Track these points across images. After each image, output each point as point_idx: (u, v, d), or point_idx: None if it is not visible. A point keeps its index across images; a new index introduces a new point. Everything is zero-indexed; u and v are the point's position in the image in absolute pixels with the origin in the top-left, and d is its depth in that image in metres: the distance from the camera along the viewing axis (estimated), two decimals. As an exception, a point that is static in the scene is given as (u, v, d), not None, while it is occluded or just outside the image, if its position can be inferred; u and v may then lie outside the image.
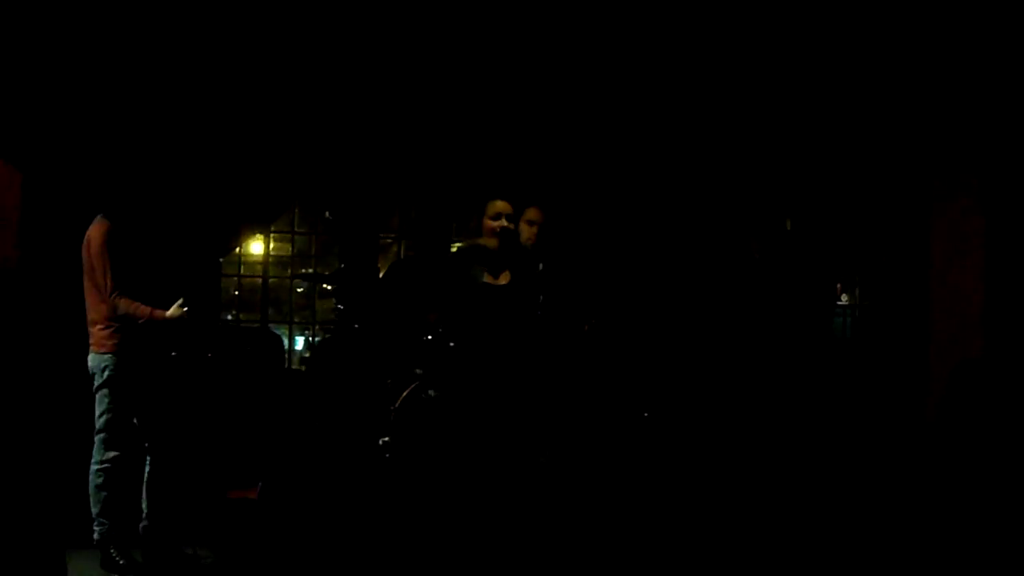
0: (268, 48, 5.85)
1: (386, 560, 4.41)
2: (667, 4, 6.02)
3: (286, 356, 6.92)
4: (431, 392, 4.88)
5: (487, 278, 4.92)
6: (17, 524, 4.59)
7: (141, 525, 4.28)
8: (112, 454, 4.17)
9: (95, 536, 4.19)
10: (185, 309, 4.10)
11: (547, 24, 6.01)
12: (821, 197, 6.63)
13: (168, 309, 4.16)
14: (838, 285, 7.18)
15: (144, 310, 4.12)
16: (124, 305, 4.11)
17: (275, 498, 5.00)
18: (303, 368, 6.56)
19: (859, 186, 6.63)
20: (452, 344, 4.81)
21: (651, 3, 6.01)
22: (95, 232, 4.16)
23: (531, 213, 5.20)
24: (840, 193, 6.63)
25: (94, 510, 4.18)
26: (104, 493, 4.16)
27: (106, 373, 4.16)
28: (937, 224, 6.54)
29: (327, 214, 5.83)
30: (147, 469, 4.27)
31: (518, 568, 4.31)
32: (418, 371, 5.02)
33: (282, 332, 7.22)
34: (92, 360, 4.21)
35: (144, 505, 4.27)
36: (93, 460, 4.19)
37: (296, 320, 7.77)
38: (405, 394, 4.89)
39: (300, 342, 8.43)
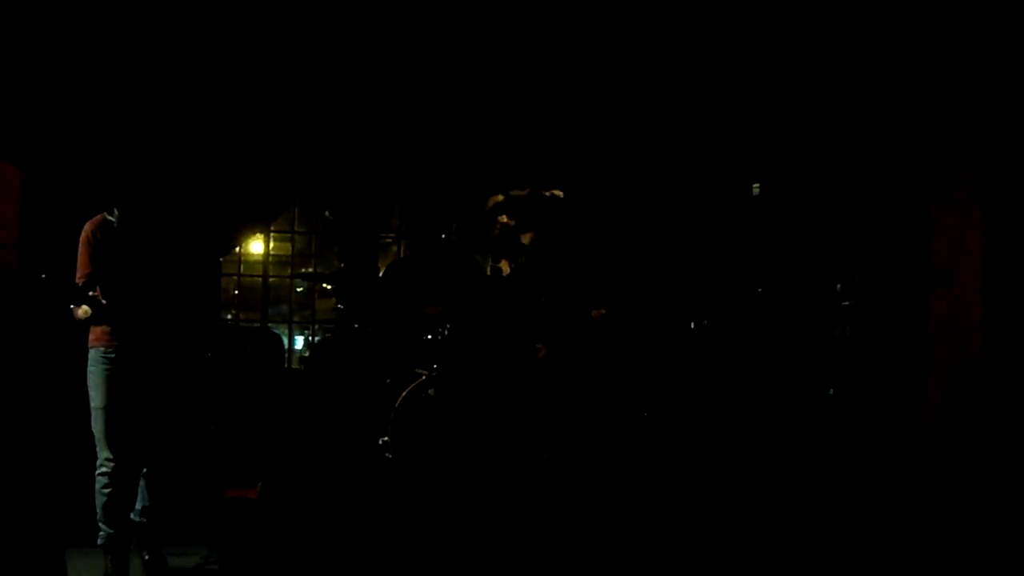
0: (268, 48, 5.86)
1: (386, 560, 4.41)
2: (666, 2, 6.03)
3: (286, 356, 6.93)
4: (431, 392, 4.88)
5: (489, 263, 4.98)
6: (17, 524, 4.58)
7: (139, 523, 4.20)
8: (104, 456, 4.00)
9: (98, 541, 4.10)
10: (85, 309, 3.73)
11: (545, 23, 6.01)
12: (820, 198, 6.63)
13: (159, 309, 4.03)
14: (838, 285, 7.18)
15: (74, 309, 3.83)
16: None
17: (275, 498, 5.00)
18: (303, 368, 6.56)
19: (859, 186, 6.62)
20: (457, 331, 4.82)
21: (650, 1, 6.02)
22: (84, 227, 4.04)
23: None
24: (840, 193, 6.63)
25: (97, 515, 4.07)
26: (103, 498, 4.02)
27: (88, 369, 4.04)
28: (937, 224, 6.54)
29: (327, 214, 5.82)
30: (144, 469, 4.17)
31: (519, 568, 4.30)
32: (418, 371, 5.03)
33: (282, 332, 7.22)
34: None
35: (138, 504, 4.18)
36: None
37: (296, 320, 7.77)
38: (405, 394, 4.89)
39: (300, 342, 8.43)
